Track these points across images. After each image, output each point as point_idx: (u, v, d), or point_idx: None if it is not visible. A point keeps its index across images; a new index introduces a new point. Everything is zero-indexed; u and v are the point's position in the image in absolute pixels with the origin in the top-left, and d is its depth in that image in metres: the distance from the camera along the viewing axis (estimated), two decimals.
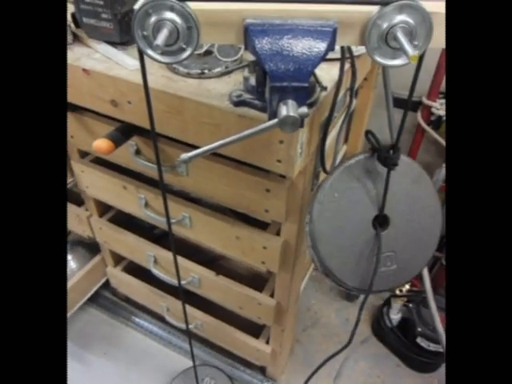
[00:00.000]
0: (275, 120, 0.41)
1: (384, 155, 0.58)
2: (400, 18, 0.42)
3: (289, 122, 0.40)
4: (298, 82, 0.42)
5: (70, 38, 0.74)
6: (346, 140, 1.13)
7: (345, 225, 0.63)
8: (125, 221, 1.08)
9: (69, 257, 1.30)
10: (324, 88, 0.59)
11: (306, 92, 0.43)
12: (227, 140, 0.44)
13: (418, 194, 0.65)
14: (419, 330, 1.17)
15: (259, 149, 0.59)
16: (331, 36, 0.43)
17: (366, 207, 0.63)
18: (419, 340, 1.18)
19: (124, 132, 0.73)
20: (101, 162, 0.93)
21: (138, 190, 0.89)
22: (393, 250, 0.65)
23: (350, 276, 0.66)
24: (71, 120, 0.82)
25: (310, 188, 0.73)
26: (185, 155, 0.45)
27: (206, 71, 0.63)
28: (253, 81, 0.56)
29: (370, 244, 0.64)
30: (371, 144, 0.61)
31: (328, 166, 0.76)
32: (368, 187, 0.62)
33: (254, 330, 1.09)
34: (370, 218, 0.63)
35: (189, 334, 0.87)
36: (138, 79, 0.63)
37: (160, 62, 0.44)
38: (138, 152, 0.78)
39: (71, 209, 1.09)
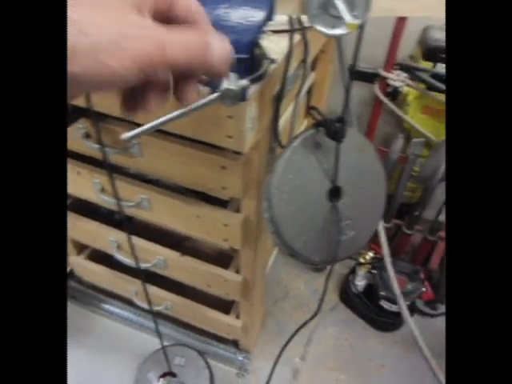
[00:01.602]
0: (215, 94, 0.40)
1: (332, 129, 0.58)
2: None
3: (229, 95, 0.39)
4: (239, 54, 0.41)
5: None
6: (307, 114, 1.12)
7: (303, 204, 0.63)
8: (83, 208, 1.05)
9: None
10: (272, 60, 0.57)
11: (247, 64, 0.42)
12: (169, 116, 0.43)
13: (364, 161, 0.67)
14: (382, 293, 1.22)
15: (208, 125, 0.58)
16: (269, 4, 0.41)
17: (320, 182, 0.63)
18: (382, 302, 1.23)
19: (71, 114, 0.69)
20: None
21: (92, 175, 0.86)
22: (350, 217, 0.67)
23: (315, 252, 0.67)
24: None
25: (265, 163, 0.72)
26: (126, 134, 0.44)
27: None
28: None
29: (328, 217, 0.65)
30: (316, 119, 0.61)
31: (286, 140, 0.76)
32: (319, 162, 0.62)
33: (224, 306, 1.10)
34: (325, 191, 0.64)
35: (154, 315, 0.87)
36: None
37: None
38: (87, 135, 0.75)
39: None
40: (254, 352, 1.23)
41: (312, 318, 0.81)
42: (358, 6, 0.45)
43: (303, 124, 1.12)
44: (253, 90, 0.53)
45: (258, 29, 0.42)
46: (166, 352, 0.99)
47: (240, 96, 0.40)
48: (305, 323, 0.83)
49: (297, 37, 0.64)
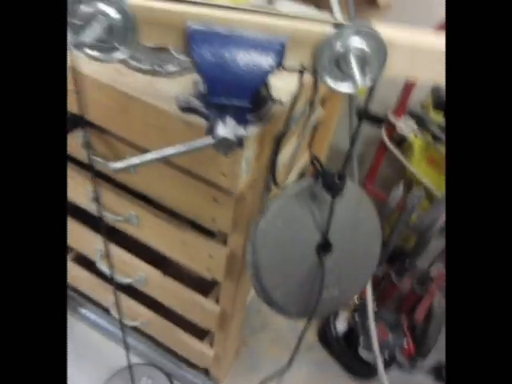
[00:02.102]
0: (209, 140, 0.39)
1: (329, 182, 0.56)
2: (355, 42, 0.40)
3: (223, 144, 0.38)
4: (239, 100, 0.40)
5: None
6: (309, 148, 1.11)
7: (288, 253, 0.61)
8: (73, 209, 1.03)
9: None
10: (277, 101, 0.56)
11: (246, 110, 0.40)
12: (161, 154, 0.42)
13: (360, 216, 0.64)
14: (361, 341, 1.19)
15: (205, 159, 0.56)
16: (279, 52, 0.40)
17: (310, 234, 0.60)
18: (360, 350, 1.20)
19: (71, 122, 0.68)
20: None
21: (84, 182, 0.84)
22: (336, 275, 0.63)
23: (293, 305, 0.64)
24: None
25: (259, 201, 0.70)
26: (115, 165, 0.42)
27: (157, 68, 0.60)
28: (202, 87, 0.53)
29: (313, 270, 0.62)
30: (316, 170, 0.59)
31: (287, 178, 0.75)
32: (312, 213, 0.59)
33: (200, 331, 1.07)
34: (313, 244, 0.61)
35: (124, 330, 0.85)
36: (88, 68, 0.59)
37: (90, 57, 0.40)
38: (86, 144, 0.74)
39: None
40: (223, 382, 1.19)
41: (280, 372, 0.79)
42: (372, 65, 0.44)
43: (305, 157, 1.10)
44: (253, 131, 0.52)
45: (264, 77, 0.40)
46: (132, 371, 0.97)
47: (234, 146, 0.38)
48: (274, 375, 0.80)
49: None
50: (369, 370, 1.23)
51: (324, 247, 0.62)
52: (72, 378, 1.15)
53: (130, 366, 0.93)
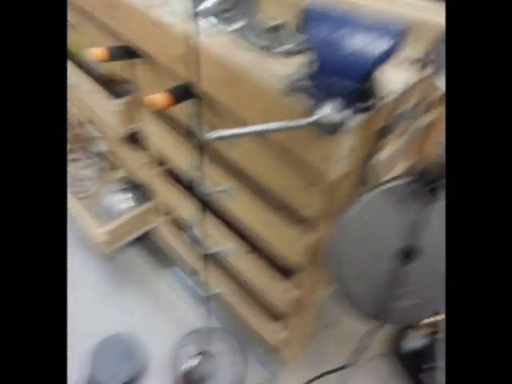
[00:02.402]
0: (312, 118, 0.37)
1: (430, 183, 0.51)
2: None
3: (326, 125, 0.37)
4: (349, 82, 0.38)
5: None
6: (420, 148, 1.03)
7: (370, 250, 0.59)
8: (178, 177, 1.10)
9: (126, 196, 1.38)
10: (386, 95, 0.53)
11: (355, 94, 0.38)
12: (255, 129, 0.42)
13: None
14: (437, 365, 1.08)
15: (305, 141, 0.55)
16: (396, 39, 0.37)
17: (397, 235, 0.57)
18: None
19: (185, 91, 0.72)
20: (165, 115, 0.95)
21: (190, 151, 0.89)
22: (417, 284, 0.59)
23: (368, 301, 0.61)
24: (145, 66, 0.84)
25: (352, 193, 0.68)
26: (209, 135, 0.44)
27: (271, 46, 0.60)
28: (314, 67, 0.51)
29: (393, 274, 0.58)
30: (415, 170, 0.54)
31: (386, 176, 0.70)
32: (402, 215, 0.55)
33: (275, 312, 1.08)
34: (396, 247, 0.57)
35: (205, 298, 0.89)
36: (205, 42, 0.62)
37: (212, 25, 0.41)
38: (195, 113, 0.78)
39: (133, 152, 1.14)
40: (288, 366, 1.20)
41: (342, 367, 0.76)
42: None
43: (412, 159, 1.03)
44: (357, 120, 0.50)
45: (379, 60, 0.38)
46: (208, 333, 1.01)
47: (338, 128, 0.37)
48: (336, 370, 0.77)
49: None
50: None
51: (408, 253, 0.58)
52: (151, 330, 1.26)
53: (208, 327, 0.97)
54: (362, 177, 0.66)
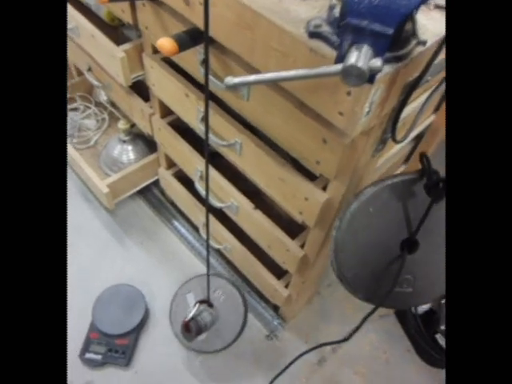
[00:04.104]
0: (338, 66, 0.34)
1: (432, 186, 0.54)
2: None
3: (353, 74, 0.33)
4: (381, 26, 0.34)
5: None
6: (436, 109, 0.98)
7: (372, 241, 0.61)
8: (184, 129, 1.06)
9: (129, 147, 1.34)
10: (422, 42, 0.48)
11: (388, 40, 0.34)
12: (279, 75, 0.38)
13: None
14: (442, 327, 1.10)
15: (323, 94, 0.51)
16: None
17: (398, 228, 0.60)
18: (438, 337, 1.11)
19: (192, 36, 0.67)
20: (171, 63, 0.90)
21: (198, 102, 0.85)
22: (413, 274, 0.63)
23: (361, 288, 0.66)
24: (149, 9, 0.78)
25: (371, 153, 0.64)
26: (230, 79, 0.40)
27: None
28: (338, 12, 0.47)
29: (391, 264, 0.62)
30: (423, 168, 0.57)
31: (406, 136, 0.67)
32: (406, 209, 0.59)
33: (278, 269, 1.09)
34: (399, 238, 0.61)
35: (207, 252, 0.88)
36: None
37: None
38: (204, 61, 0.73)
39: (137, 102, 1.10)
40: (289, 323, 1.22)
41: (349, 336, 0.78)
42: None
43: (429, 119, 0.98)
44: (385, 71, 0.45)
45: (416, 4, 0.33)
46: (209, 280, 1.00)
47: (366, 78, 0.33)
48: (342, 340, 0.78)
49: None
50: (441, 359, 1.16)
51: (409, 244, 0.61)
52: (154, 275, 1.28)
53: (208, 274, 0.96)
54: (383, 136, 0.62)
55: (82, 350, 1.10)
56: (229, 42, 0.61)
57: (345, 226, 0.62)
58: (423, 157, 0.59)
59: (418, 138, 1.03)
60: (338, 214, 0.75)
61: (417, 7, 0.33)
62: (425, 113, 0.70)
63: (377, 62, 0.33)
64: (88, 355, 1.09)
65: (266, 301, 1.23)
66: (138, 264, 1.32)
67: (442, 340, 1.12)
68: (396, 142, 0.63)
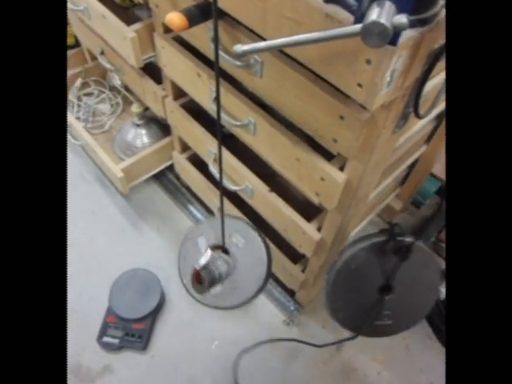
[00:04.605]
0: (357, 25, 0.30)
1: (398, 249, 0.72)
2: None
3: (374, 32, 0.30)
4: None
5: None
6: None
7: (356, 289, 0.80)
8: (197, 111, 1.04)
9: (143, 131, 1.33)
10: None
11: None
12: (294, 39, 0.35)
13: (424, 275, 0.78)
14: None
15: (340, 64, 0.48)
16: None
17: (377, 277, 0.77)
18: None
19: (203, 10, 0.64)
20: (182, 42, 0.87)
21: (210, 81, 0.83)
22: (391, 310, 0.81)
23: (351, 325, 0.85)
24: None
25: (392, 128, 0.61)
26: (239, 47, 0.37)
27: None
28: None
29: (373, 304, 0.80)
30: (390, 235, 0.72)
31: (428, 112, 0.63)
32: (381, 263, 0.75)
33: (295, 253, 1.06)
34: (377, 284, 0.78)
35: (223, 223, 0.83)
36: None
37: None
38: (215, 37, 0.70)
39: (149, 85, 1.08)
40: (306, 307, 1.20)
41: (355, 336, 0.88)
42: None
43: None
44: (409, 35, 0.42)
45: None
46: (224, 220, 0.81)
47: (389, 36, 0.30)
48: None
49: None
50: None
51: (386, 289, 0.78)
52: (169, 261, 1.27)
53: (222, 212, 0.80)
54: (405, 111, 0.58)
55: (99, 334, 1.10)
56: (239, 14, 0.58)
57: (332, 280, 0.78)
58: (391, 225, 0.73)
59: (440, 116, 0.98)
60: (354, 195, 0.72)
61: None
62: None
63: (402, 19, 0.29)
64: (105, 339, 1.10)
65: (283, 285, 1.21)
66: (153, 249, 1.31)
67: None
68: (419, 117, 0.60)
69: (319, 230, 0.88)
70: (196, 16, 0.63)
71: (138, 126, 1.33)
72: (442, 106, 0.84)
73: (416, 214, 1.34)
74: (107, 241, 1.32)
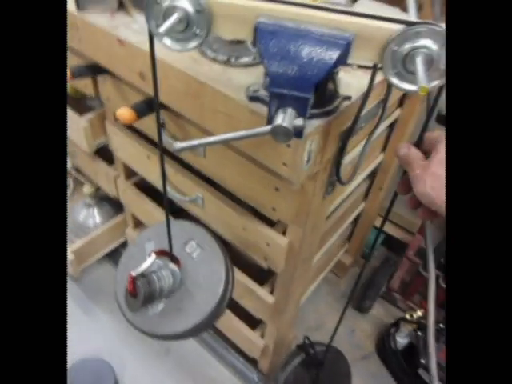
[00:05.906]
0: (267, 127, 0.39)
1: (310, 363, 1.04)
2: (423, 41, 0.38)
3: (280, 133, 0.38)
4: (299, 92, 0.40)
5: (115, 4, 0.75)
6: (383, 149, 1.07)
7: None
8: (149, 187, 1.10)
9: (95, 211, 1.35)
10: (347, 98, 0.55)
11: (307, 103, 0.40)
12: (220, 138, 0.43)
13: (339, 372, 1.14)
14: (422, 361, 1.11)
15: (267, 147, 0.57)
16: (344, 48, 0.39)
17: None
18: (421, 371, 1.13)
19: (149, 104, 0.73)
20: (132, 128, 0.95)
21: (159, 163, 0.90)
22: None
23: None
24: (109, 83, 0.84)
25: (321, 195, 0.70)
26: (178, 144, 0.45)
27: (232, 59, 0.62)
28: (268, 80, 0.54)
29: None
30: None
31: (354, 177, 0.73)
32: (309, 372, 1.07)
33: (253, 321, 1.09)
34: None
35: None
36: (167, 56, 0.63)
37: (168, 47, 0.43)
38: (158, 124, 0.79)
39: (101, 166, 1.13)
40: (271, 376, 1.20)
41: None
42: (438, 67, 0.41)
43: (379, 158, 1.07)
44: (317, 124, 0.52)
45: (327, 71, 0.40)
46: (169, 222, 0.65)
47: (291, 135, 0.38)
48: None
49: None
50: None
51: None
52: (124, 345, 1.23)
53: (167, 217, 0.65)
54: (329, 179, 0.68)
55: None
56: (181, 108, 0.67)
57: None
58: (306, 339, 1.00)
59: (372, 175, 1.11)
60: (299, 256, 0.79)
61: (325, 76, 0.39)
62: (370, 154, 0.77)
63: (299, 122, 0.38)
64: None
65: (244, 355, 1.21)
66: (107, 333, 1.27)
67: (424, 375, 1.12)
68: (342, 183, 0.69)
69: (272, 292, 0.93)
70: (143, 109, 0.72)
71: (89, 205, 1.35)
72: (370, 167, 0.97)
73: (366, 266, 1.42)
74: None
